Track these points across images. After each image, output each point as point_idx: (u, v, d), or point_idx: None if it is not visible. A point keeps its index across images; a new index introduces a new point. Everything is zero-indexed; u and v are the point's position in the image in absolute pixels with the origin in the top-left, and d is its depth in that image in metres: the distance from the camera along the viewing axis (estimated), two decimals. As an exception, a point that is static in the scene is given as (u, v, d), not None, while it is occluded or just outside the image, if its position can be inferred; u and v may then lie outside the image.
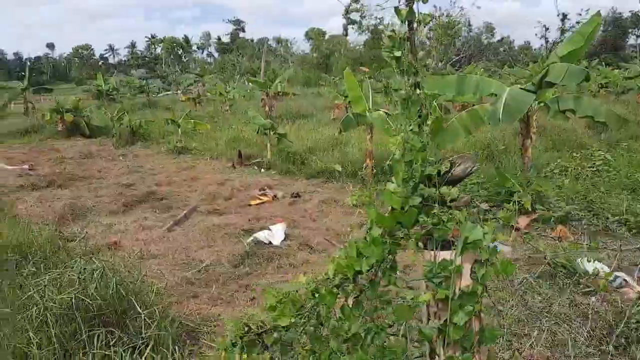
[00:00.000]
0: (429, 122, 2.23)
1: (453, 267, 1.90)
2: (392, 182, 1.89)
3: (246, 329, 2.03)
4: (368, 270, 1.90)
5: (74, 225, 10.13)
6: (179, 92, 48.34)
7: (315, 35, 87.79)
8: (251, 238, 8.67)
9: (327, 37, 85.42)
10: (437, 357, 2.08)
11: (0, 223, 8.56)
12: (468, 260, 1.99)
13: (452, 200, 2.02)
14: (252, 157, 16.47)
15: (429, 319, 2.12)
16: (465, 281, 1.97)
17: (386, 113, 11.95)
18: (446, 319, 1.96)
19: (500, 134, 14.60)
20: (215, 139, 19.38)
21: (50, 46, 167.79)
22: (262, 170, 15.21)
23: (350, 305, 1.92)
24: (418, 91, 2.43)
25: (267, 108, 23.82)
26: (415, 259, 1.91)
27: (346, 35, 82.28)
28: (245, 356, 1.95)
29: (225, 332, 2.30)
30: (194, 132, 20.41)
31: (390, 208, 1.87)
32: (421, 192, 1.93)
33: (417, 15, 2.52)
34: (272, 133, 15.33)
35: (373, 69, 35.91)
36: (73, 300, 4.56)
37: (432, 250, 1.95)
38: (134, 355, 4.15)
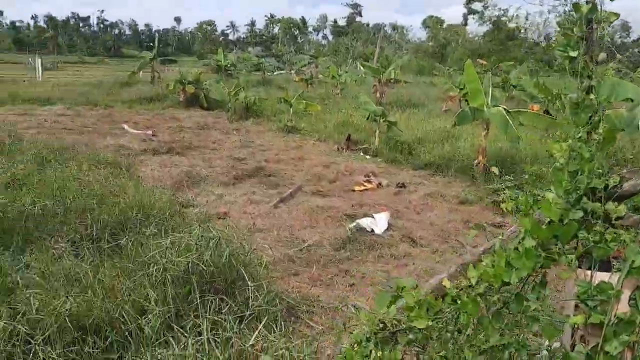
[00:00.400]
0: (600, 131, 2.07)
1: (614, 291, 1.75)
2: (551, 192, 1.77)
3: (381, 325, 2.03)
4: (516, 283, 1.81)
5: (188, 192, 10.74)
6: (292, 72, 49.43)
7: (432, 24, 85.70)
8: (354, 224, 8.70)
9: (445, 26, 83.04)
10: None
11: (127, 183, 9.26)
12: (629, 286, 1.83)
13: (617, 218, 1.86)
14: (359, 142, 16.48)
15: (574, 344, 2.00)
16: (623, 308, 1.81)
17: (506, 110, 11.43)
18: (594, 346, 1.82)
19: (631, 142, 13.43)
20: (325, 121, 19.60)
21: (178, 20, 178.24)
22: (368, 156, 15.17)
23: (491, 317, 1.85)
24: (591, 96, 2.25)
25: (378, 94, 23.71)
26: (566, 277, 1.79)
27: (465, 25, 79.55)
28: (379, 353, 1.95)
29: (357, 324, 2.31)
30: (305, 112, 20.76)
31: (546, 220, 1.76)
32: (584, 206, 1.79)
33: (599, 13, 2.33)
34: (382, 120, 15.22)
35: (491, 62, 34.44)
36: (190, 265, 4.83)
37: (587, 269, 1.81)
38: (242, 325, 4.33)
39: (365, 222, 8.70)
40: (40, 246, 6.17)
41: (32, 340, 4.18)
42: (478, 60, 30.43)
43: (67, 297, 4.67)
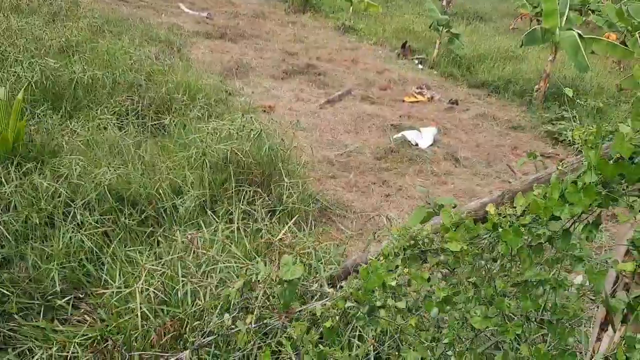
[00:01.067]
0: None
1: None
2: (626, 125, 1.57)
3: (412, 242, 1.95)
4: (567, 219, 1.67)
5: (236, 80, 10.61)
6: (357, -33, 46.80)
7: None
8: (399, 135, 8.51)
9: None
10: (611, 331, 1.86)
11: (177, 63, 9.18)
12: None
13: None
14: (417, 52, 15.76)
15: (614, 290, 1.88)
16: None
17: (579, 35, 10.59)
18: (637, 296, 1.70)
19: None
20: (384, 25, 18.72)
21: None
22: (424, 67, 14.55)
23: (531, 250, 1.73)
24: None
25: (444, 2, 22.33)
26: (624, 220, 1.63)
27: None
28: (405, 270, 1.88)
29: (387, 235, 2.23)
30: (365, 13, 19.81)
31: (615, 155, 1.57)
32: (663, 146, 1.59)
33: None
34: (444, 30, 14.38)
35: (573, -19, 31.66)
36: (229, 153, 4.82)
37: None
38: (273, 218, 4.36)
39: (410, 134, 8.48)
40: (87, 114, 6.27)
41: (72, 204, 4.32)
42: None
43: (108, 167, 4.77)
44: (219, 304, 2.63)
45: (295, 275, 1.97)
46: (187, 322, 2.98)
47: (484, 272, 1.87)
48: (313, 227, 4.48)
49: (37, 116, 5.98)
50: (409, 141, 8.35)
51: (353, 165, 7.47)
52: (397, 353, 2.19)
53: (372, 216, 5.78)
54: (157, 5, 18.03)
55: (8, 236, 4.05)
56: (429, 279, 1.86)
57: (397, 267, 1.88)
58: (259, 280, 2.18)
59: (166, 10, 17.39)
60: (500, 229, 1.75)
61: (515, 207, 1.78)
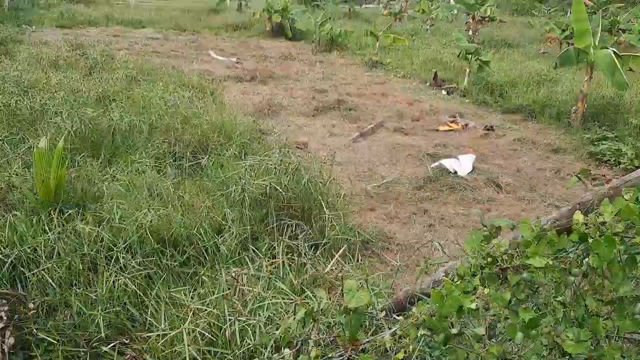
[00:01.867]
0: None
1: None
2: None
3: (489, 259, 1.79)
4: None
5: (269, 119, 10.69)
6: (381, 5, 47.57)
7: (536, -41, 78.94)
8: (436, 163, 8.35)
9: (549, -39, 76.29)
10: None
11: (210, 106, 9.31)
12: None
13: None
14: (447, 81, 15.68)
15: None
16: None
17: (615, 53, 10.34)
18: None
19: None
20: (411, 57, 18.77)
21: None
22: (456, 96, 14.43)
23: (624, 262, 1.56)
24: None
25: (471, 32, 22.37)
26: None
27: (573, -39, 72.73)
28: (486, 290, 1.71)
29: (465, 255, 2.08)
30: (391, 47, 19.95)
31: None
32: None
33: None
34: (473, 58, 14.30)
35: (599, 3, 31.43)
36: (268, 188, 4.75)
37: None
38: (317, 252, 4.23)
39: (448, 162, 8.31)
40: (126, 160, 6.33)
41: (114, 247, 4.29)
42: (585, 0, 27.81)
43: (148, 209, 4.75)
44: (272, 339, 2.49)
45: (361, 303, 1.83)
46: (237, 363, 2.85)
47: (572, 290, 1.70)
48: (359, 260, 4.33)
49: (78, 163, 6.08)
50: (447, 169, 8.18)
51: (392, 197, 7.32)
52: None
53: (417, 247, 5.58)
54: (188, 54, 18.57)
55: (52, 283, 4.03)
56: (510, 301, 1.69)
57: (475, 288, 1.72)
58: (321, 310, 2.03)
59: (197, 58, 17.88)
60: (590, 240, 1.58)
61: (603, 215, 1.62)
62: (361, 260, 4.54)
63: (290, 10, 25.53)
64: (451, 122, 11.42)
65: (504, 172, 8.56)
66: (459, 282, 1.77)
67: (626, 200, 1.55)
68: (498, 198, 7.52)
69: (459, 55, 15.22)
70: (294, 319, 2.00)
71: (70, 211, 4.79)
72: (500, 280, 1.78)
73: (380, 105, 12.93)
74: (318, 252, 4.23)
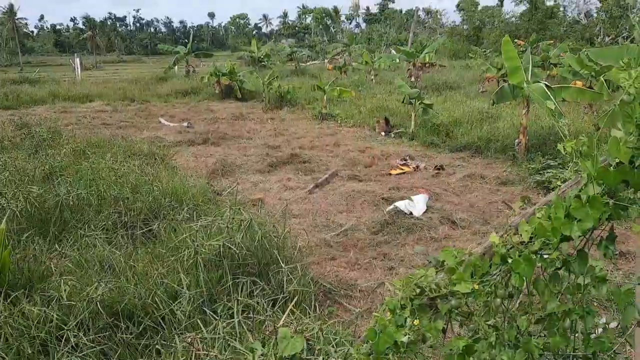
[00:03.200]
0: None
1: None
2: (618, 129, 1.50)
3: (418, 290, 1.80)
4: (579, 237, 1.55)
5: (223, 180, 10.68)
6: (325, 61, 49.08)
7: (467, 6, 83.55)
8: (391, 207, 8.45)
9: (479, 7, 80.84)
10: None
11: (161, 172, 9.23)
12: None
13: None
14: (395, 127, 16.13)
15: None
16: None
17: (547, 85, 10.92)
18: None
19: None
20: (359, 107, 19.30)
21: (211, 15, 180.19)
22: (404, 140, 14.82)
23: (548, 279, 1.59)
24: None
25: (412, 78, 23.26)
26: (639, 231, 1.52)
27: (501, 6, 77.14)
28: (416, 322, 1.71)
29: (392, 290, 2.08)
30: (339, 99, 20.49)
31: (615, 162, 1.49)
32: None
33: None
34: (417, 103, 14.82)
35: (530, 41, 33.34)
36: (221, 248, 4.69)
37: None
38: (275, 307, 4.16)
39: (403, 204, 8.43)
40: (75, 235, 6.16)
41: (64, 327, 4.12)
42: (516, 41, 29.45)
43: (99, 283, 4.60)
44: None
45: (297, 349, 1.79)
46: None
47: (502, 313, 1.72)
48: (318, 310, 4.28)
49: (23, 243, 5.86)
50: (403, 211, 8.28)
51: (351, 244, 7.33)
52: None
53: (379, 292, 5.57)
54: (138, 123, 18.55)
55: (0, 371, 3.81)
56: (444, 329, 1.69)
57: (405, 320, 1.72)
58: None
59: (147, 126, 17.88)
60: (509, 260, 1.63)
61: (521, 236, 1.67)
62: (321, 310, 4.48)
63: (237, 72, 26.03)
64: (402, 165, 11.68)
65: (457, 208, 8.73)
66: (390, 316, 1.77)
67: (538, 218, 1.61)
68: (454, 234, 7.63)
69: (403, 101, 15.76)
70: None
71: (16, 293, 4.58)
72: (432, 311, 1.80)
73: (333, 155, 13.13)
74: (276, 307, 4.17)
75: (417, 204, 8.47)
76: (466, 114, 15.43)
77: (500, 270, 1.73)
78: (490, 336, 1.68)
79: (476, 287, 1.69)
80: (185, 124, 17.98)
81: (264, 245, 5.00)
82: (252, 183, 10.64)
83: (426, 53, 24.79)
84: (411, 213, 8.27)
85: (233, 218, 5.10)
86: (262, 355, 1.93)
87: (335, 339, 3.31)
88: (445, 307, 1.74)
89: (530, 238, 1.65)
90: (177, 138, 15.42)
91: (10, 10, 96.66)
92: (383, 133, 15.44)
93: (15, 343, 4.00)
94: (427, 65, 26.15)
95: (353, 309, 4.85)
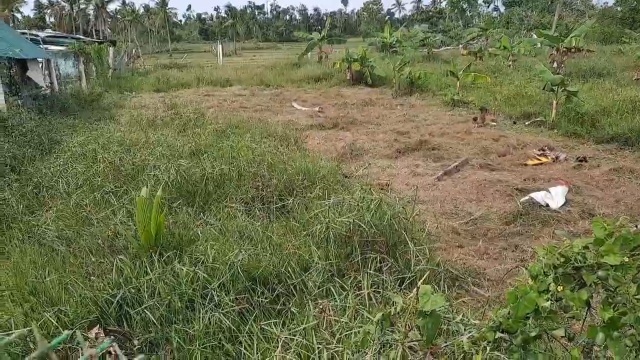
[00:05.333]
0: None
1: None
2: None
3: (562, 260, 1.75)
4: None
5: (351, 163, 10.87)
6: (460, 46, 47.53)
7: (622, -15, 75.83)
8: (526, 197, 8.07)
9: (638, -14, 72.92)
10: None
11: (294, 153, 9.66)
12: None
13: None
14: (533, 115, 15.26)
15: None
16: None
17: None
18: None
19: None
20: (494, 94, 18.49)
21: (344, 2, 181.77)
22: (543, 129, 13.97)
23: None
24: None
25: (555, 64, 21.76)
26: None
27: (664, -17, 68.98)
28: (560, 288, 1.68)
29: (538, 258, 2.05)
30: (473, 85, 19.80)
31: None
32: None
33: None
34: (560, 90, 13.86)
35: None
36: (351, 225, 4.84)
37: None
38: (402, 285, 4.22)
39: (539, 196, 8.01)
40: (218, 206, 6.69)
41: (209, 286, 4.52)
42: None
43: (240, 250, 4.98)
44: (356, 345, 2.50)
45: (437, 305, 1.83)
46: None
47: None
48: (445, 291, 4.26)
49: (174, 210, 6.51)
50: (538, 203, 7.88)
51: (480, 233, 7.14)
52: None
53: (508, 282, 5.39)
54: (273, 107, 19.44)
55: (154, 320, 4.30)
56: (588, 301, 1.64)
57: (549, 287, 1.68)
58: (398, 314, 2.06)
59: (281, 110, 18.67)
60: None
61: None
62: (448, 293, 4.46)
63: (368, 58, 26.12)
64: (540, 155, 11.05)
65: (600, 203, 8.11)
66: (532, 282, 1.74)
67: None
68: (595, 230, 7.12)
69: (543, 88, 14.82)
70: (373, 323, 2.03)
71: (168, 254, 5.12)
72: (576, 281, 1.73)
73: (464, 143, 12.77)
74: (403, 286, 4.22)
75: (555, 196, 8.00)
76: (616, 103, 14.14)
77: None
78: (638, 310, 1.59)
79: (625, 259, 1.60)
80: (316, 108, 18.50)
81: (393, 225, 5.07)
82: (380, 168, 10.71)
83: (573, 37, 22.95)
84: (548, 205, 7.84)
85: (363, 197, 5.22)
86: (402, 308, 2.00)
87: (464, 320, 3.30)
88: (592, 278, 1.68)
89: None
90: (308, 122, 15.94)
91: (163, 1, 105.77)
92: (476, 124, 14.69)
93: (167, 297, 4.48)
94: (572, 50, 24.23)
95: (482, 293, 4.76)
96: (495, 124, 14.84)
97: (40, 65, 18.45)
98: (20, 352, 3.76)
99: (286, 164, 8.29)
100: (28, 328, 4.04)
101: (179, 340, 4.08)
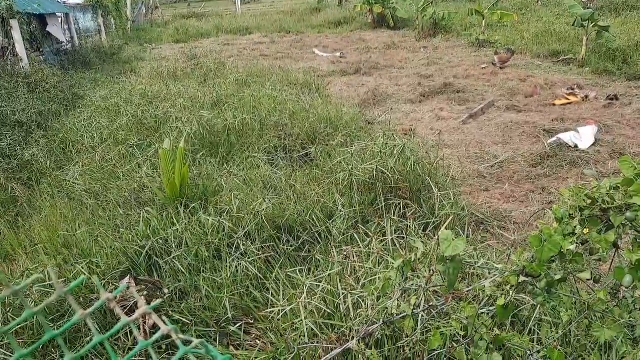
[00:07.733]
0: None
1: None
2: None
3: (588, 201, 1.71)
4: None
5: (375, 109, 10.72)
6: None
7: None
8: (554, 138, 7.89)
9: None
10: None
11: (316, 101, 9.55)
12: None
13: None
14: (562, 53, 14.71)
15: None
16: None
17: None
18: None
19: None
20: (521, 33, 17.82)
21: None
22: (572, 67, 13.49)
23: None
24: None
25: (586, -2, 20.77)
26: None
27: None
28: (586, 231, 1.64)
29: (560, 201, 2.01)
30: (499, 24, 19.09)
31: None
32: None
33: None
34: (591, 25, 13.26)
35: None
36: (374, 171, 4.81)
37: None
38: (427, 230, 4.22)
39: (567, 136, 7.81)
40: (241, 156, 6.71)
41: (234, 235, 4.59)
42: None
43: (264, 199, 5.01)
44: (377, 291, 2.53)
45: (458, 251, 1.82)
46: (352, 335, 2.94)
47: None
48: (470, 236, 4.25)
49: (198, 162, 6.55)
50: (567, 144, 7.69)
51: (506, 176, 7.05)
52: (585, 333, 1.90)
53: (535, 224, 5.34)
54: (293, 54, 19.13)
55: (183, 270, 4.40)
56: (615, 243, 1.60)
57: (574, 230, 1.65)
58: (419, 260, 2.06)
59: (302, 56, 18.37)
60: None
61: None
62: (473, 236, 4.44)
63: (390, 0, 25.30)
64: (569, 94, 10.71)
65: (631, 142, 7.89)
66: (557, 225, 1.70)
67: None
68: (626, 170, 6.95)
69: (573, 24, 14.19)
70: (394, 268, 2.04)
71: (194, 205, 5.19)
72: (603, 222, 1.68)
73: (490, 85, 12.44)
74: (427, 231, 4.22)
75: (583, 136, 7.79)
76: (650, 37, 13.52)
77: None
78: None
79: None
80: (338, 54, 18.15)
81: (417, 171, 5.02)
82: (404, 113, 10.55)
83: (605, -32, 21.77)
84: (576, 146, 7.65)
85: (386, 143, 5.16)
86: (423, 254, 2.00)
87: (488, 263, 3.29)
88: (620, 220, 1.63)
89: None
90: (330, 68, 15.68)
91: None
92: (500, 67, 14.16)
93: (194, 247, 4.57)
94: (605, -17, 23.02)
95: (508, 237, 4.73)
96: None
97: (60, 20, 18.38)
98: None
99: (308, 112, 8.21)
100: (36, 275, 4.19)
101: (207, 288, 4.18)
